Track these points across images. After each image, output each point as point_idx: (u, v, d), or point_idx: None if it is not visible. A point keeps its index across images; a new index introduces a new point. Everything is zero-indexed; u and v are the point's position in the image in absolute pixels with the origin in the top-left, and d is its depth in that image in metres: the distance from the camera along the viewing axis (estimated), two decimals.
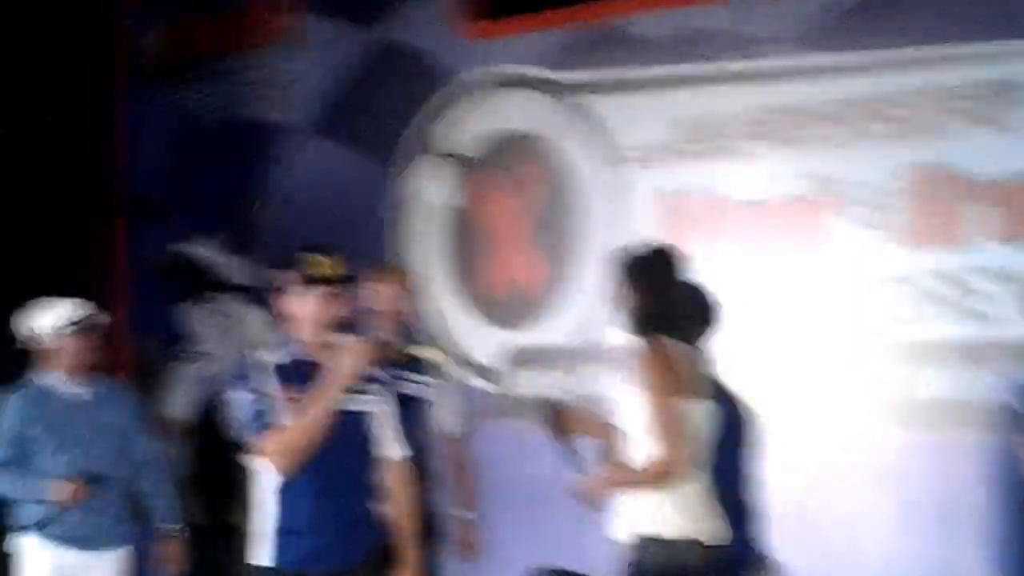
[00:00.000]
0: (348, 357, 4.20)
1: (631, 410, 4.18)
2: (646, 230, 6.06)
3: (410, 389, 5.15)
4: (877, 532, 5.51)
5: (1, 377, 5.65)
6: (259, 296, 7.10)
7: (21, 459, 5.45)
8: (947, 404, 5.42)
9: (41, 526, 5.41)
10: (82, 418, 5.48)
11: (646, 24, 6.24)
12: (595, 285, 6.15)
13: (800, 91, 5.81)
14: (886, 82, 5.60)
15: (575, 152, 6.42)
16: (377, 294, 5.24)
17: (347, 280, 4.29)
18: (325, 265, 4.26)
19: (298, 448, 4.17)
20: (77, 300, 5.58)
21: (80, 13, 7.75)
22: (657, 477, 4.08)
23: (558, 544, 6.03)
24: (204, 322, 7.69)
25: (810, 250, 5.77)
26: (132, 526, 5.62)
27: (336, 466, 4.23)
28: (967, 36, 5.43)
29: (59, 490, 5.34)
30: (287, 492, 4.23)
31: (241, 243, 7.54)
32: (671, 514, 4.13)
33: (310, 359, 4.26)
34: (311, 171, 7.30)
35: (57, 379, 5.51)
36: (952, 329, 5.43)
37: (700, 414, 4.16)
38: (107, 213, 8.02)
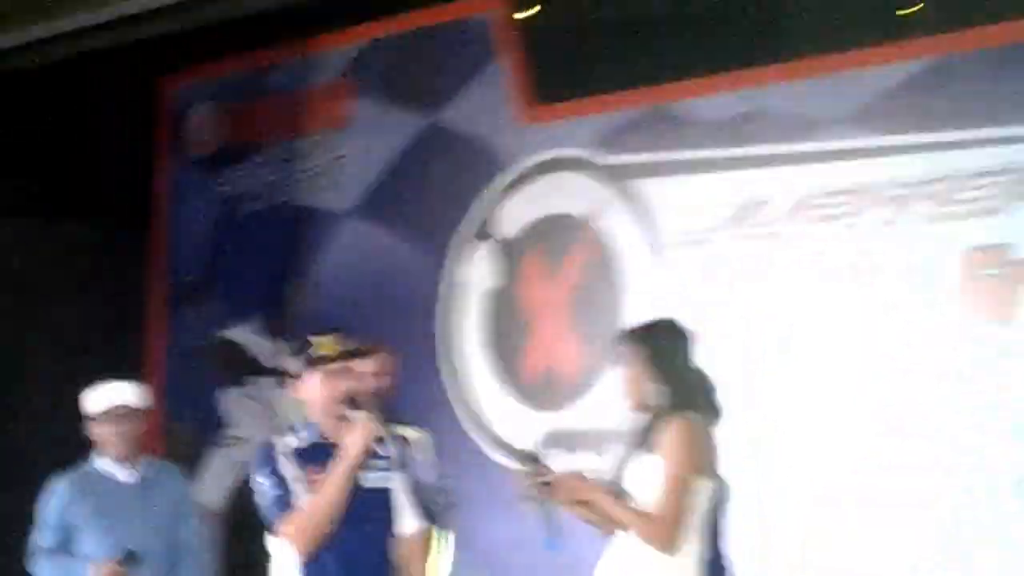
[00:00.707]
0: (355, 435, 4.29)
1: (645, 482, 4.12)
2: (690, 315, 5.92)
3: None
4: None
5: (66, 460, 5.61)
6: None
7: (66, 545, 5.35)
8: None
9: None
10: (128, 503, 5.36)
11: (697, 107, 6.16)
12: None
13: (858, 173, 5.68)
14: (947, 163, 5.46)
15: (620, 235, 6.31)
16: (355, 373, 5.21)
17: (349, 356, 4.39)
18: (326, 345, 4.38)
19: (315, 529, 4.26)
20: (122, 384, 5.48)
21: (124, 92, 7.78)
22: (645, 534, 4.05)
23: None
24: (240, 407, 7.59)
25: (862, 334, 5.60)
26: None
27: (358, 543, 4.31)
28: None
29: (97, 571, 5.21)
30: (311, 571, 4.28)
31: (280, 327, 7.48)
32: None
33: (327, 440, 4.36)
34: (354, 255, 7.28)
35: (104, 463, 5.41)
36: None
37: (706, 492, 4.12)
38: (147, 296, 8.01)
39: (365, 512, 4.32)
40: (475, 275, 6.76)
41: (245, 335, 7.59)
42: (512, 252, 6.66)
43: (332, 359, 4.34)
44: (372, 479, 4.36)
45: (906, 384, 5.46)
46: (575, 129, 6.49)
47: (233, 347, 7.62)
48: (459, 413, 6.67)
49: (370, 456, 4.32)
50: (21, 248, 7.49)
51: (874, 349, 5.55)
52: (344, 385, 4.34)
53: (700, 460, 4.05)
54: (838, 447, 5.58)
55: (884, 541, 5.39)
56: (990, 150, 5.34)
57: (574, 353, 6.36)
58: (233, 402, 7.62)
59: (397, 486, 4.44)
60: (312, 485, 4.27)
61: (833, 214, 5.72)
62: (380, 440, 4.35)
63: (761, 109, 5.94)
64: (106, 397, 5.39)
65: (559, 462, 6.28)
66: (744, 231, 5.93)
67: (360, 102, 7.34)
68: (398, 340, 6.88)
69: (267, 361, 7.49)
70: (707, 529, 4.12)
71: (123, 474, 5.38)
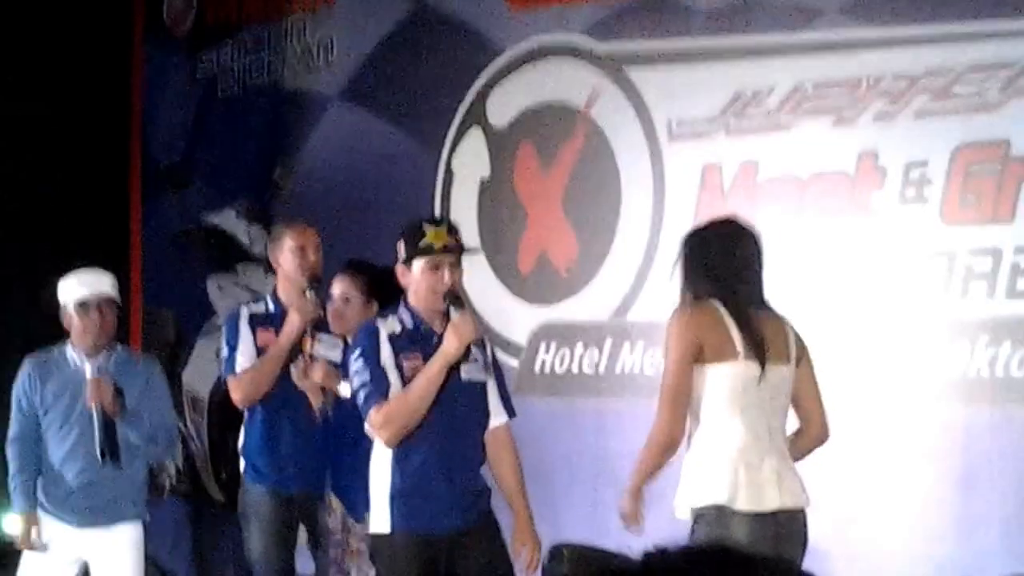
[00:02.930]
0: (455, 334, 4.33)
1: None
2: (682, 206, 5.92)
3: (320, 351, 5.32)
4: (932, 510, 5.31)
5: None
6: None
7: (35, 431, 5.33)
8: (997, 381, 5.20)
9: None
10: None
11: None
12: (627, 261, 6.07)
13: (854, 65, 5.60)
14: (947, 56, 5.38)
15: (613, 124, 6.23)
16: (286, 249, 5.36)
17: (457, 250, 4.47)
18: (438, 234, 4.43)
19: (403, 422, 4.32)
20: (96, 272, 5.44)
21: None
22: (657, 447, 4.10)
23: (578, 521, 5.91)
24: (223, 294, 7.51)
25: (852, 227, 5.57)
26: (142, 501, 5.47)
27: (453, 433, 4.42)
28: None
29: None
30: (406, 457, 4.38)
31: (264, 213, 7.38)
32: (705, 481, 4.05)
33: (424, 327, 4.44)
34: (340, 140, 7.15)
35: (73, 351, 5.36)
36: (999, 307, 5.21)
37: (733, 374, 4.09)
38: (124, 180, 7.88)
39: (459, 403, 4.42)
40: (468, 163, 6.66)
41: (227, 220, 7.49)
42: (506, 140, 6.56)
43: (441, 249, 4.40)
44: (468, 372, 4.45)
45: (898, 289, 5.43)
46: (568, 15, 6.36)
47: (215, 232, 7.52)
48: None
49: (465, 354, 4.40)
50: None
51: (868, 251, 5.52)
52: (447, 277, 4.39)
53: (690, 345, 4.06)
54: (871, 402, 5.51)
55: (927, 495, 5.36)
56: (990, 43, 5.26)
57: (570, 245, 6.31)
58: (217, 289, 7.54)
59: (488, 380, 4.54)
60: (408, 373, 4.33)
61: (829, 106, 5.66)
62: (479, 342, 4.44)
63: None
64: (78, 286, 5.33)
65: (554, 355, 6.34)
66: (739, 122, 5.86)
67: None
68: (390, 229, 6.84)
69: (251, 247, 7.41)
70: (742, 407, 4.10)
71: (89, 363, 5.28)
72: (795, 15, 5.74)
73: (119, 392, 5.25)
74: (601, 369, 6.12)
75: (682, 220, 5.91)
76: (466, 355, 4.39)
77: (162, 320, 7.76)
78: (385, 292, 5.06)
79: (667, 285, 5.85)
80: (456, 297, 4.42)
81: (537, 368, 6.33)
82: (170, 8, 7.86)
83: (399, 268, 4.51)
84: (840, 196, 5.59)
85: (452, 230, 4.51)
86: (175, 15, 7.84)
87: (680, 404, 4.05)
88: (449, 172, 6.73)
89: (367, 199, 6.84)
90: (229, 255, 7.48)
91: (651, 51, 6.13)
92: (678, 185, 6.01)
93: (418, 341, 4.43)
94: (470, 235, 6.55)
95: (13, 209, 7.30)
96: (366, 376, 4.35)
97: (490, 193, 6.60)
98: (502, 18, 6.55)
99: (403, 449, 4.37)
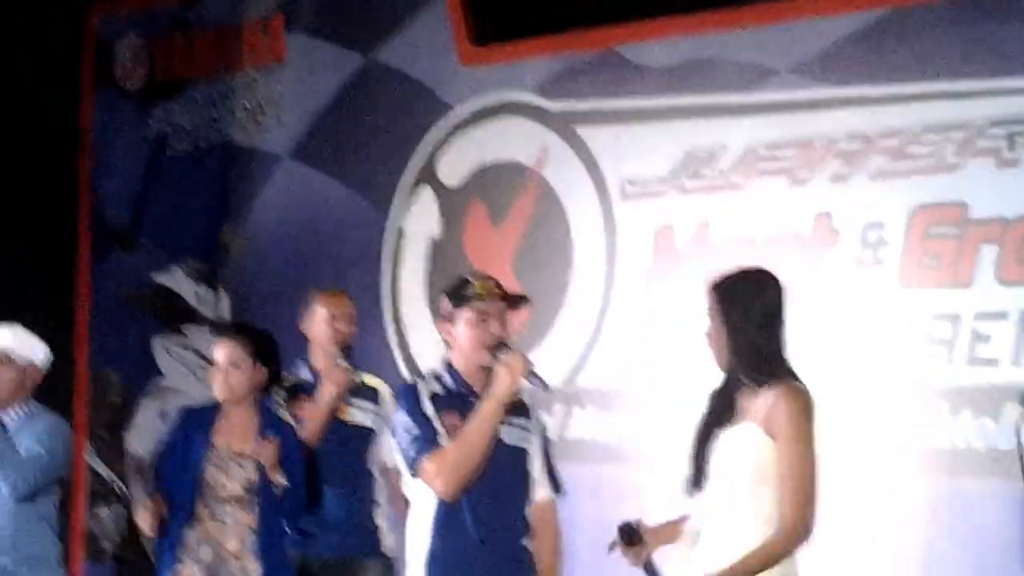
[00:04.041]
0: (506, 371, 4.13)
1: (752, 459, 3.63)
2: (635, 266, 5.86)
3: (356, 417, 5.25)
4: None
5: None
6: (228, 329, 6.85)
7: None
8: (950, 451, 5.15)
9: None
10: None
11: (646, 52, 6.01)
12: (578, 324, 5.98)
13: (809, 125, 5.57)
14: (903, 117, 5.35)
15: (565, 183, 6.18)
16: (318, 318, 5.30)
17: (505, 300, 4.27)
18: (485, 285, 4.25)
19: (465, 466, 4.11)
20: (9, 328, 5.33)
21: (49, 22, 7.52)
22: (792, 542, 3.56)
23: None
24: (170, 356, 7.40)
25: (805, 290, 5.36)
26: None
27: (493, 498, 4.19)
28: (990, 72, 5.18)
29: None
30: (444, 522, 4.17)
31: (212, 274, 7.30)
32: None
33: (464, 387, 4.24)
34: (289, 199, 7.09)
35: None
36: (955, 374, 5.16)
37: None
38: (72, 238, 7.77)
39: (500, 468, 4.18)
40: (418, 223, 6.59)
41: (178, 280, 7.39)
42: (457, 199, 6.51)
43: (487, 299, 4.20)
44: (510, 436, 4.22)
45: (854, 355, 5.36)
46: (520, 72, 6.33)
47: (163, 293, 7.42)
48: (401, 365, 6.53)
49: (512, 412, 4.19)
50: None
51: (823, 315, 5.43)
52: (494, 328, 4.19)
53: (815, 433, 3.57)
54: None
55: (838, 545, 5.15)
56: (946, 104, 5.25)
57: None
58: (163, 351, 7.44)
59: (533, 449, 4.31)
60: (451, 430, 4.12)
61: (783, 167, 5.62)
62: (532, 374, 4.17)
63: (711, 56, 5.82)
64: None
65: None
66: (692, 182, 5.80)
67: (294, 38, 7.11)
68: (339, 287, 6.73)
69: (199, 309, 7.32)
70: None
71: None
72: (748, 75, 5.72)
73: None
74: (550, 436, 5.99)
75: (635, 281, 5.85)
76: (509, 418, 4.19)
77: (107, 381, 7.63)
78: (271, 356, 4.96)
79: (623, 349, 5.78)
80: (500, 348, 4.19)
81: None
82: (121, 62, 7.76)
83: (441, 324, 4.32)
84: (795, 258, 5.50)
85: (499, 285, 4.31)
86: (126, 69, 7.75)
87: (815, 495, 3.54)
88: (399, 231, 6.67)
89: (316, 258, 6.77)
90: (176, 316, 7.37)
91: (603, 109, 6.09)
92: (630, 245, 5.94)
93: (457, 401, 4.22)
94: (419, 295, 6.56)
95: None
96: (414, 430, 4.15)
97: (440, 253, 6.53)
98: (453, 75, 6.52)
99: (442, 513, 4.17)
